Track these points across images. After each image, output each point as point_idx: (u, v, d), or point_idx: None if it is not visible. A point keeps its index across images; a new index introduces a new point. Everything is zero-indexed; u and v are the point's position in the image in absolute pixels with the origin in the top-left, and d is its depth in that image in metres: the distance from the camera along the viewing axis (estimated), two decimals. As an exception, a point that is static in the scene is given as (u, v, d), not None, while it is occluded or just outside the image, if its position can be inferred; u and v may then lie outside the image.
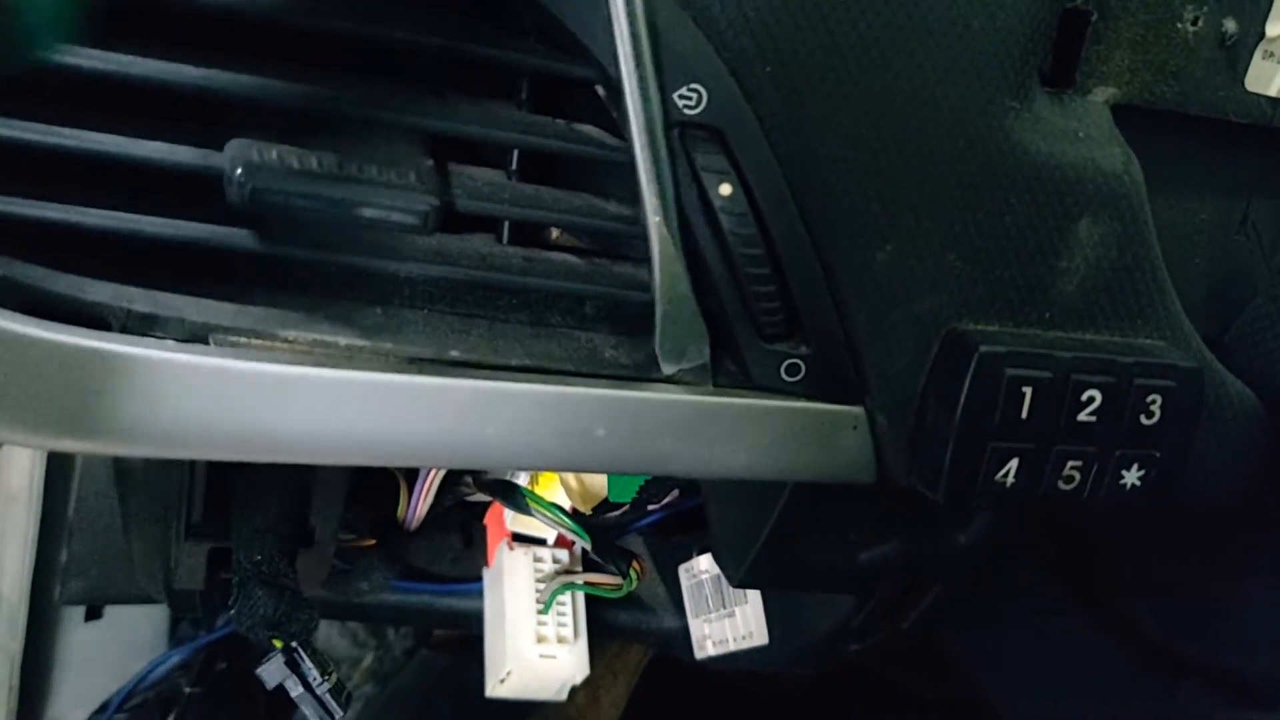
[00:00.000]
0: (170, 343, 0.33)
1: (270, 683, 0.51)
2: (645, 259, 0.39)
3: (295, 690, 0.51)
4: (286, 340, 0.35)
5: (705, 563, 0.75)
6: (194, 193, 0.34)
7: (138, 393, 0.32)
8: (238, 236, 0.35)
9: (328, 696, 0.51)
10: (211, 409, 0.33)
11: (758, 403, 0.39)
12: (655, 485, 0.62)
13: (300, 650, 0.51)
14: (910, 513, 0.51)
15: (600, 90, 0.37)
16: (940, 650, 0.66)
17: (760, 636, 0.69)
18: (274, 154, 0.33)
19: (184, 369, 0.33)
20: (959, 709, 0.72)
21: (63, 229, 0.33)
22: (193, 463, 0.54)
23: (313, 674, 0.51)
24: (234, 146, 0.33)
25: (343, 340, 0.36)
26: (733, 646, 0.72)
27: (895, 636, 0.60)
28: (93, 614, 1.08)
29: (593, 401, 0.37)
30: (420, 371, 0.35)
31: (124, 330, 0.34)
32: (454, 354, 0.37)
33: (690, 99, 0.36)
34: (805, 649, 0.65)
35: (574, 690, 0.77)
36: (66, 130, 0.33)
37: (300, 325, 0.36)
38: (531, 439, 0.36)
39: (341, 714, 0.51)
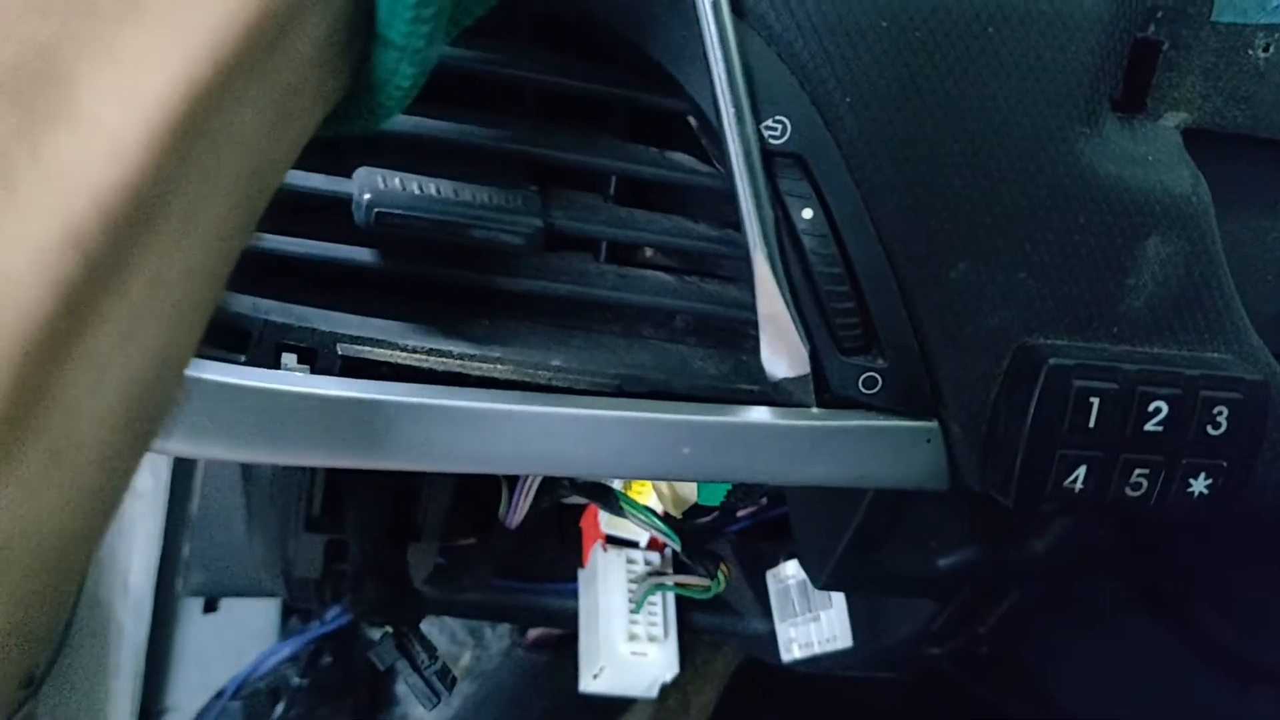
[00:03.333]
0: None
1: (383, 665, 0.55)
2: (732, 277, 0.42)
3: (405, 672, 0.54)
4: (405, 349, 0.39)
5: (791, 568, 0.77)
6: (311, 214, 0.38)
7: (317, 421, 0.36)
8: (363, 255, 0.38)
9: (434, 678, 0.54)
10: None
11: (836, 420, 0.41)
12: (741, 491, 0.64)
13: (409, 635, 0.55)
14: (986, 521, 0.53)
15: (692, 121, 0.40)
16: (1014, 657, 0.67)
17: (844, 639, 0.72)
18: (396, 181, 0.37)
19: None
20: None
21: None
22: (314, 463, 0.59)
23: (421, 657, 0.55)
24: (361, 174, 0.37)
25: (455, 349, 0.39)
26: (818, 649, 0.74)
27: (973, 641, 0.62)
28: (210, 607, 1.14)
29: (679, 425, 0.40)
30: (530, 402, 0.39)
31: (261, 339, 0.38)
32: (555, 362, 0.40)
33: (775, 129, 0.39)
34: (887, 651, 0.67)
35: (664, 693, 0.80)
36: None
37: (417, 335, 0.39)
38: (624, 457, 0.40)
39: (447, 695, 0.55)
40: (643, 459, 0.40)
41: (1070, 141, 0.41)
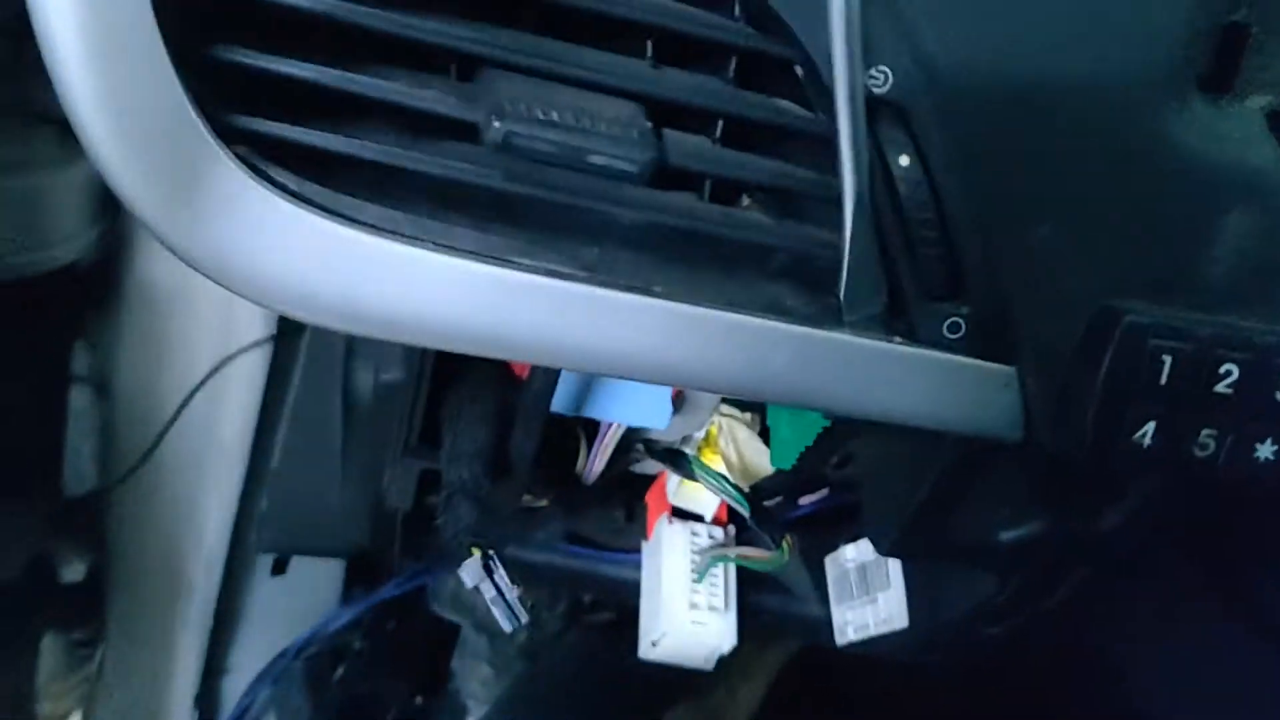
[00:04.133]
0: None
1: (470, 582, 0.58)
2: (827, 221, 0.45)
3: (489, 593, 0.57)
4: (519, 266, 0.42)
5: (851, 551, 0.79)
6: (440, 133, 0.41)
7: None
8: (490, 175, 0.41)
9: (516, 602, 0.57)
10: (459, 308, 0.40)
11: (921, 352, 0.44)
12: (816, 454, 0.66)
13: (495, 559, 0.58)
14: (1056, 490, 0.55)
15: (799, 69, 0.42)
16: (1072, 644, 0.68)
17: (900, 620, 0.73)
18: (523, 106, 0.40)
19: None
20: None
21: (345, 159, 0.41)
22: (415, 391, 0.62)
23: (504, 580, 0.57)
24: (489, 98, 0.40)
25: (565, 270, 0.42)
26: (873, 631, 0.76)
27: (1037, 620, 0.63)
28: (278, 569, 1.17)
29: (774, 333, 0.42)
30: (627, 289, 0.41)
31: (384, 246, 0.41)
32: (657, 289, 0.43)
33: (878, 79, 0.41)
34: (944, 629, 0.68)
35: (712, 682, 0.81)
36: (361, 78, 0.40)
37: (531, 254, 0.42)
38: (716, 361, 0.42)
39: (527, 618, 0.57)
40: (736, 365, 0.42)
41: (1158, 115, 0.43)
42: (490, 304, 0.40)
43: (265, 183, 0.38)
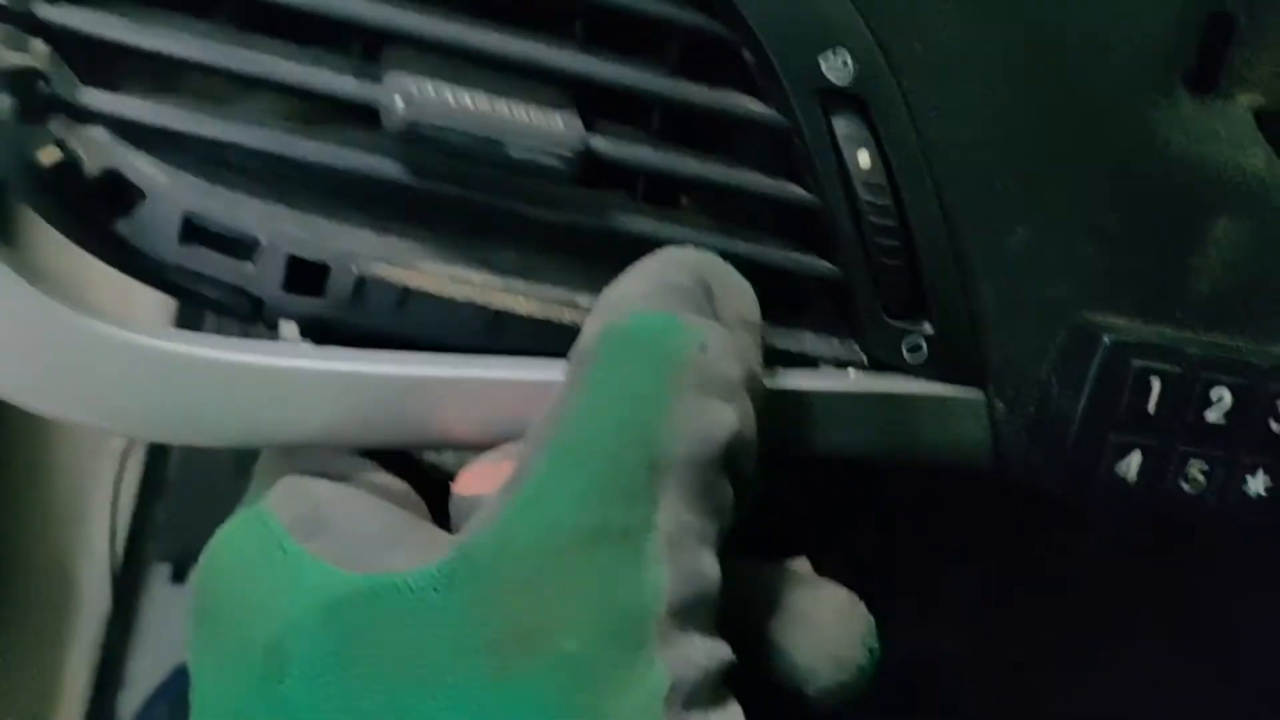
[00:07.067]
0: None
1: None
2: (774, 229, 0.40)
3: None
4: (424, 272, 0.36)
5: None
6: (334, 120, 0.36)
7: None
8: (389, 167, 0.36)
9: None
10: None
11: (877, 385, 0.39)
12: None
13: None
14: (1007, 523, 0.51)
15: (747, 55, 0.37)
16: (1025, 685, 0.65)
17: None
18: (431, 89, 0.35)
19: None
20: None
21: (222, 145, 0.35)
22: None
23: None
24: (395, 79, 0.34)
25: (477, 277, 0.37)
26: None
27: (985, 669, 0.59)
28: (178, 576, 1.11)
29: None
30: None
31: (272, 249, 0.35)
32: (583, 303, 0.38)
33: (835, 65, 0.36)
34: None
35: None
36: (248, 54, 0.34)
37: (439, 259, 0.37)
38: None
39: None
40: None
41: (1142, 110, 0.39)
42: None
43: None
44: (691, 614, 0.28)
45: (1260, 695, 0.56)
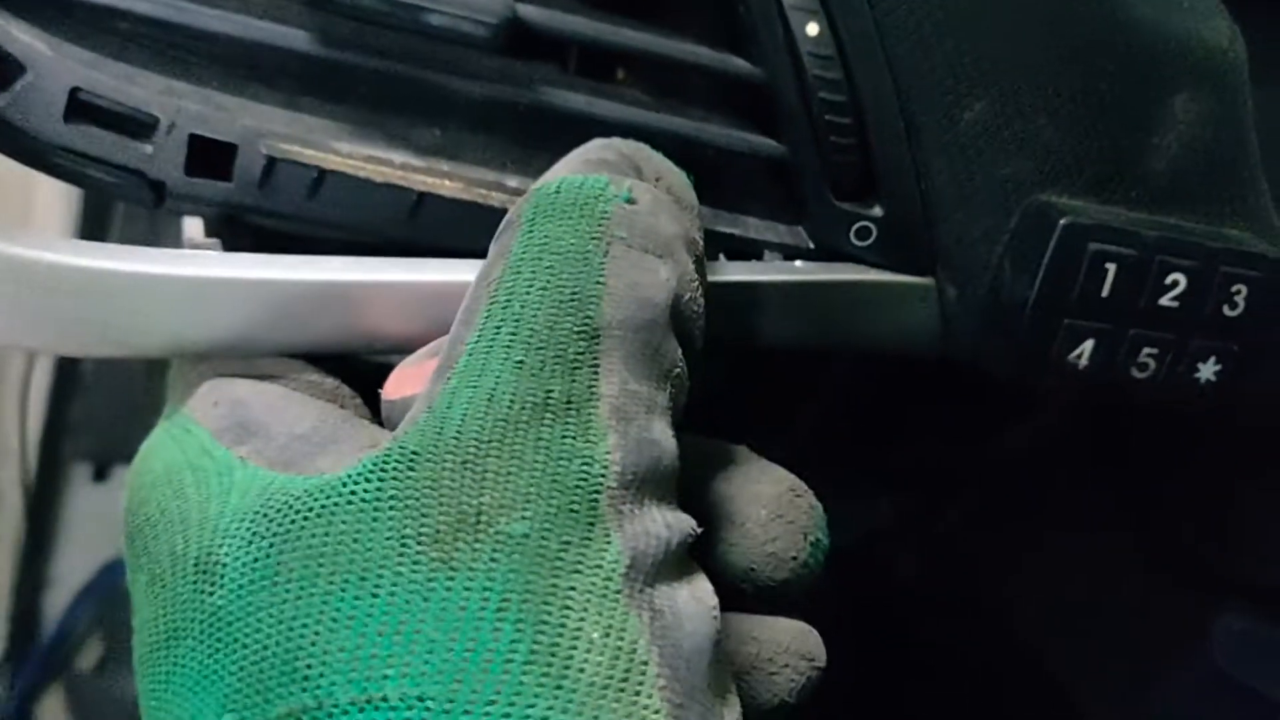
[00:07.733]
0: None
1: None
2: (716, 106, 0.37)
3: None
4: (339, 153, 0.33)
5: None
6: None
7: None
8: (297, 38, 0.33)
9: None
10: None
11: (821, 275, 0.37)
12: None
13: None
14: (953, 410, 0.50)
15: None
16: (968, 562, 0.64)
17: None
18: (341, -51, 0.31)
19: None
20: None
21: (112, 12, 0.32)
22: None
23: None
24: (300, -62, 0.31)
25: (398, 158, 0.34)
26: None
27: (927, 542, 0.59)
28: (100, 475, 1.07)
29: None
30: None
31: (172, 127, 0.32)
32: (512, 184, 0.35)
33: (782, -78, 0.34)
34: (839, 554, 0.64)
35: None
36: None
37: (355, 138, 0.34)
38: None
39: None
40: None
41: (1104, -24, 0.37)
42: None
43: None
44: (645, 485, 0.26)
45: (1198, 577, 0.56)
